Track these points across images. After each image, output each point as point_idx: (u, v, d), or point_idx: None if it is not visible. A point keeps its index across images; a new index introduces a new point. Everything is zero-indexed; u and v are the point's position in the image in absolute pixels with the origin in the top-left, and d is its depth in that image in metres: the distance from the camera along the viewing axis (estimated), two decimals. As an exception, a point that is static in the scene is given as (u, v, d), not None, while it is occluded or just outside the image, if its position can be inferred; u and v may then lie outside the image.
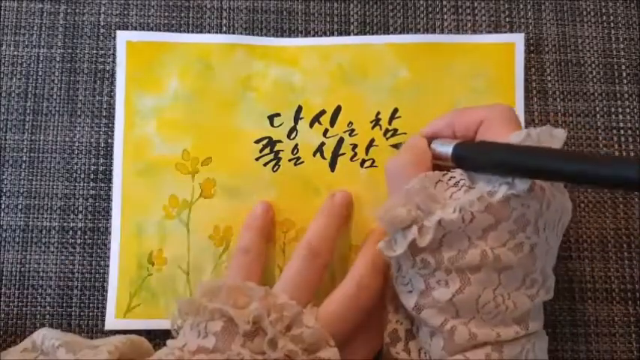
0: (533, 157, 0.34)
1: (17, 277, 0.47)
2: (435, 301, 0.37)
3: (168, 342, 0.38)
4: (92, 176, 0.48)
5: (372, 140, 0.48)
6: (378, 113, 0.48)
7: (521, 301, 0.37)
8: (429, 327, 0.38)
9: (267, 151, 0.48)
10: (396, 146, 0.47)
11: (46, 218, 0.48)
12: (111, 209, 0.48)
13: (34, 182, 0.48)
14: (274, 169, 0.48)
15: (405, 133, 0.48)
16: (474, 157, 0.38)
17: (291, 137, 0.48)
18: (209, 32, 0.50)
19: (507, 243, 0.36)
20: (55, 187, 0.48)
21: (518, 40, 0.49)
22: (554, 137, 0.36)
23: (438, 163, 0.40)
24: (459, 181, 0.38)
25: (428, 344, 0.39)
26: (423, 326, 0.39)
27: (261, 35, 0.50)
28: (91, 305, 0.47)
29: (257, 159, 0.48)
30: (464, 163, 0.38)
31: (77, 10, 0.50)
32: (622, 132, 0.48)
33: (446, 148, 0.40)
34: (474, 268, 0.36)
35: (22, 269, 0.47)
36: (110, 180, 0.48)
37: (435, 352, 0.38)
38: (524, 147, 0.35)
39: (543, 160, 0.33)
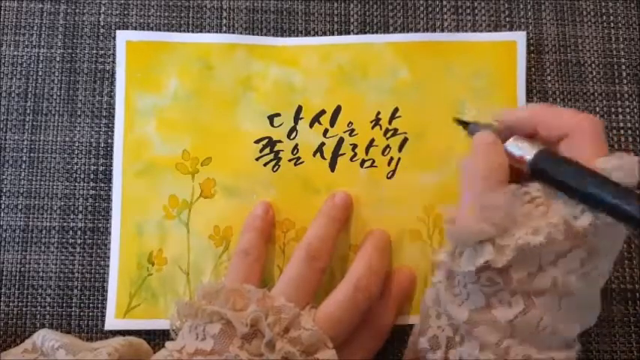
0: (624, 201, 0.32)
1: (17, 277, 0.47)
2: (493, 320, 0.36)
3: (167, 344, 0.39)
4: (92, 176, 0.48)
5: (372, 140, 0.48)
6: (378, 113, 0.48)
7: (573, 327, 0.37)
8: (478, 341, 0.37)
9: (267, 151, 0.48)
10: (463, 123, 0.42)
11: (46, 218, 0.48)
12: (111, 209, 0.48)
13: (34, 182, 0.48)
14: (274, 169, 0.48)
15: (405, 133, 0.48)
16: (558, 176, 0.35)
17: (291, 137, 0.48)
18: (209, 32, 0.50)
19: (576, 271, 0.35)
20: (55, 187, 0.48)
21: (519, 38, 0.49)
22: None
23: (510, 164, 0.38)
24: (535, 198, 0.36)
25: (474, 357, 0.37)
26: (470, 339, 0.37)
27: (261, 35, 0.50)
28: (91, 305, 0.47)
29: (257, 159, 0.48)
30: (541, 176, 0.36)
31: (77, 10, 0.50)
32: (622, 132, 0.48)
33: (524, 154, 0.37)
34: (540, 292, 0.35)
35: (22, 269, 0.47)
36: (110, 180, 0.48)
37: None
38: (619, 188, 0.33)
39: (631, 206, 0.31)
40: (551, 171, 0.36)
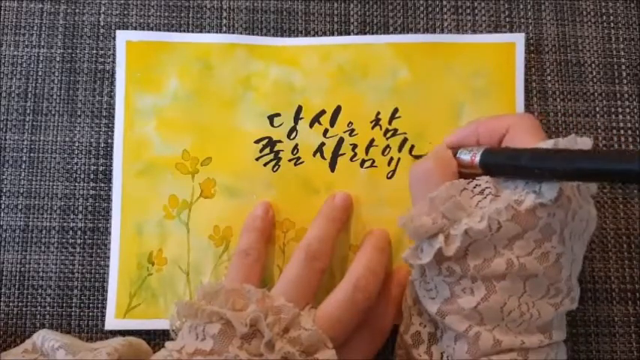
0: (564, 158, 0.34)
1: (17, 277, 0.47)
2: (459, 309, 0.37)
3: (167, 344, 0.39)
4: (92, 176, 0.48)
5: (372, 140, 0.48)
6: (378, 113, 0.48)
7: (545, 310, 0.37)
8: (452, 331, 0.38)
9: (267, 151, 0.48)
10: (418, 157, 0.47)
11: (46, 218, 0.48)
12: (111, 209, 0.48)
13: (34, 182, 0.48)
14: (274, 169, 0.48)
15: (405, 133, 0.48)
16: (503, 162, 0.38)
17: (291, 137, 0.48)
18: (209, 32, 0.50)
19: (533, 252, 0.36)
20: (55, 187, 0.48)
21: (518, 39, 0.49)
22: (580, 145, 0.36)
23: (464, 172, 0.40)
24: (484, 189, 0.38)
25: (452, 348, 0.39)
26: (447, 330, 0.39)
27: (261, 35, 0.50)
28: (91, 305, 0.47)
29: (257, 159, 0.48)
30: (492, 170, 0.38)
31: (77, 10, 0.50)
32: (622, 132, 0.48)
33: (473, 156, 0.40)
34: (500, 277, 0.36)
35: (22, 269, 0.47)
36: (110, 180, 0.48)
37: (459, 355, 0.38)
38: (554, 150, 0.35)
39: (574, 160, 0.33)
40: (498, 161, 0.38)
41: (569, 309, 0.39)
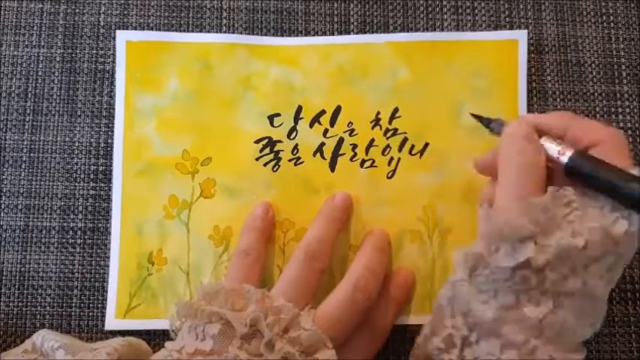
0: None
1: (17, 277, 0.47)
2: (522, 318, 0.36)
3: (167, 344, 0.39)
4: (92, 176, 0.48)
5: (372, 140, 0.48)
6: (378, 113, 0.48)
7: (585, 331, 0.37)
8: (502, 339, 0.36)
9: (267, 151, 0.48)
10: (485, 120, 0.42)
11: (46, 218, 0.48)
12: (111, 209, 0.48)
13: (34, 182, 0.48)
14: (274, 169, 0.48)
15: (405, 133, 0.48)
16: (597, 175, 0.36)
17: (291, 137, 0.48)
18: (209, 32, 0.50)
19: (604, 277, 0.36)
20: (55, 187, 0.48)
21: (521, 36, 0.49)
22: None
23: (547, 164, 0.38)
24: (571, 202, 0.36)
25: (495, 357, 0.36)
26: (491, 337, 0.37)
27: (261, 35, 0.50)
28: (91, 305, 0.47)
29: (257, 159, 0.48)
30: (578, 176, 0.37)
31: (77, 10, 0.50)
32: (622, 132, 0.48)
33: (560, 153, 0.37)
34: (569, 294, 0.35)
35: (22, 269, 0.47)
36: (110, 180, 0.48)
37: None
38: None
39: None
40: (589, 170, 0.36)
41: (597, 331, 0.38)
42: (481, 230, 0.37)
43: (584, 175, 0.36)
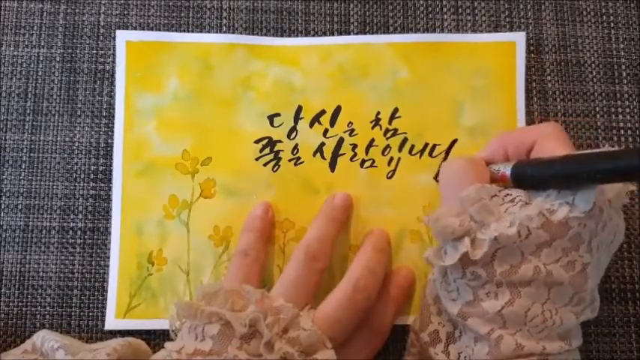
0: (599, 159, 0.33)
1: (17, 277, 0.47)
2: (483, 312, 0.37)
3: (166, 344, 0.39)
4: (92, 176, 0.48)
5: (372, 140, 0.48)
6: (378, 113, 0.48)
7: (567, 318, 0.37)
8: (473, 333, 0.38)
9: (267, 151, 0.48)
10: (414, 155, 0.47)
11: (46, 218, 0.48)
12: (111, 209, 0.48)
13: (34, 182, 0.48)
14: (274, 169, 0.48)
15: (405, 133, 0.48)
16: (534, 172, 0.37)
17: (291, 137, 0.48)
18: (209, 32, 0.50)
19: (560, 260, 0.36)
20: (55, 187, 0.48)
21: (519, 38, 0.49)
22: None
23: (497, 184, 0.40)
24: (514, 198, 0.38)
25: (471, 349, 0.39)
26: (467, 331, 0.39)
27: (261, 35, 0.50)
28: (91, 305, 0.47)
29: (257, 159, 0.48)
30: (524, 182, 0.38)
31: (77, 10, 0.50)
32: (622, 132, 0.48)
33: (504, 169, 0.40)
34: (525, 283, 0.36)
35: (22, 269, 0.47)
36: (110, 180, 0.48)
37: (479, 357, 0.38)
38: (585, 154, 0.35)
39: (610, 161, 0.33)
40: (530, 172, 0.38)
41: (589, 318, 0.38)
42: (433, 233, 0.39)
43: (527, 178, 0.38)
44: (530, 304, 0.36)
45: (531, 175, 0.38)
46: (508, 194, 0.38)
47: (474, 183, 0.38)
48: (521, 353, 0.36)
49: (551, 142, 0.39)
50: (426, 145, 0.48)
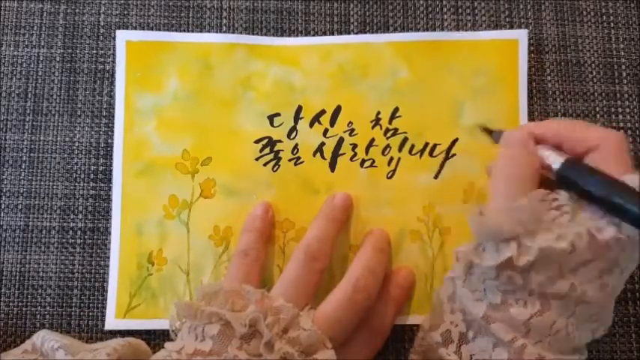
0: None
1: (17, 277, 0.47)
2: (510, 318, 0.37)
3: (166, 344, 0.39)
4: (92, 176, 0.48)
5: (372, 140, 0.48)
6: (379, 113, 0.48)
7: (585, 334, 0.37)
8: (493, 337, 0.38)
9: (267, 151, 0.48)
10: (488, 131, 0.43)
11: (46, 218, 0.48)
12: (111, 209, 0.48)
13: (33, 182, 0.48)
14: (274, 169, 0.48)
15: (405, 133, 0.48)
16: (585, 184, 0.36)
17: (291, 137, 0.48)
18: (209, 32, 0.50)
19: (594, 281, 0.36)
20: (54, 187, 0.48)
21: (521, 36, 0.49)
22: None
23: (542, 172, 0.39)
24: (562, 206, 0.37)
25: (487, 353, 0.38)
26: (485, 335, 0.38)
27: (261, 35, 0.50)
28: (91, 305, 0.47)
29: (257, 159, 0.48)
30: (570, 186, 0.37)
31: (77, 10, 0.50)
32: (622, 133, 0.48)
33: (552, 162, 0.38)
34: (558, 296, 0.36)
35: (22, 269, 0.47)
36: (110, 180, 0.48)
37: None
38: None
39: None
40: (578, 179, 0.36)
41: (601, 335, 0.39)
42: (472, 232, 0.38)
43: (573, 183, 0.37)
44: (557, 317, 0.36)
45: (581, 186, 0.36)
46: (555, 199, 0.37)
47: (526, 177, 0.37)
48: None
49: (611, 156, 0.37)
50: (427, 144, 0.48)
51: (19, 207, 0.48)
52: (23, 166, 0.48)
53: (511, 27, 0.50)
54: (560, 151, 0.38)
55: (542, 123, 0.41)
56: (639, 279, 0.47)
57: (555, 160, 0.38)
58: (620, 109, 0.49)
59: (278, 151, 0.48)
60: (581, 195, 0.36)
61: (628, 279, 0.46)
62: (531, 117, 0.48)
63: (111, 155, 0.48)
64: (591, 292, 0.36)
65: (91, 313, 0.47)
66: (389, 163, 0.48)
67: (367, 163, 0.48)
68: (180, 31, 0.50)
